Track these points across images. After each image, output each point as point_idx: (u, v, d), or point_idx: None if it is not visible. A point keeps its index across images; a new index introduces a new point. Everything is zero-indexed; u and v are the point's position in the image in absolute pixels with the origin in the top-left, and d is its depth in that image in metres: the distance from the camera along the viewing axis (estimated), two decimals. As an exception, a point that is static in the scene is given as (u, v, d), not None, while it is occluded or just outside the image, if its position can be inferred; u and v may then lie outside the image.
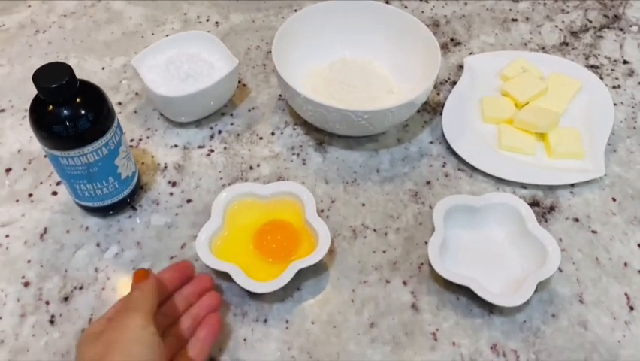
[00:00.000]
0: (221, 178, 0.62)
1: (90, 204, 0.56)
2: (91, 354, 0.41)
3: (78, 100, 0.49)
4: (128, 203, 0.59)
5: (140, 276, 0.46)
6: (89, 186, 0.54)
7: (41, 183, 0.62)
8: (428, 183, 0.62)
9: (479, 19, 0.81)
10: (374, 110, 0.58)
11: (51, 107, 0.48)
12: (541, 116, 0.64)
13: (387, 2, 0.83)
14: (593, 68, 0.75)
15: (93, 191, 0.54)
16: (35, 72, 0.47)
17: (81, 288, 0.54)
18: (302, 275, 0.53)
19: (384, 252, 0.57)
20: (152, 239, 0.58)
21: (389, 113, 0.59)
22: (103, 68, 0.74)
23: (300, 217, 0.56)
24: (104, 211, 0.58)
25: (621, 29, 0.80)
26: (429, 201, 0.61)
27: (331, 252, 0.56)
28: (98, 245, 0.57)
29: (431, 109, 0.70)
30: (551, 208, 0.61)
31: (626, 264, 0.56)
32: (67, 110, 0.48)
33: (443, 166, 0.64)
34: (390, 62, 0.71)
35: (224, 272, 0.52)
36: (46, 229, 0.58)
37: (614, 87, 0.73)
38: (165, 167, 0.63)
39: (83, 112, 0.49)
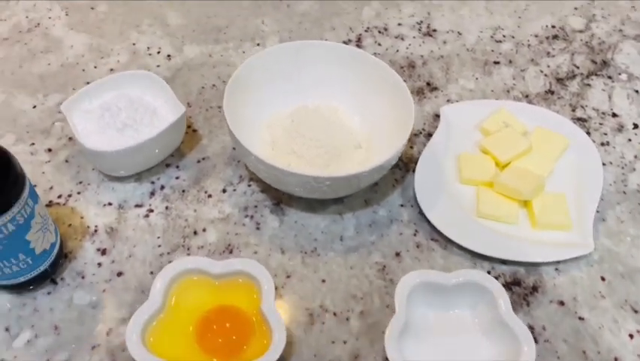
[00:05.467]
0: (159, 246, 0.54)
1: (-2, 282, 0.48)
2: None
3: (-26, 169, 0.40)
4: (47, 277, 0.50)
5: None
6: (-6, 265, 0.45)
7: (-54, 248, 0.53)
8: (397, 255, 0.55)
9: (459, 61, 0.74)
10: (337, 176, 0.51)
11: (-61, 177, 0.40)
12: (524, 181, 0.58)
13: (358, 40, 0.76)
14: (580, 121, 0.69)
15: (0, 270, 0.46)
16: None
17: (-19, 386, 0.45)
18: (247, 373, 0.45)
19: (344, 342, 0.49)
20: (73, 322, 0.49)
21: (354, 179, 0.52)
22: (34, 107, 0.65)
23: (255, 304, 0.48)
24: (17, 288, 0.49)
25: (610, 77, 0.74)
26: (397, 277, 0.53)
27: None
28: (7, 330, 0.48)
29: (403, 165, 0.62)
30: (534, 289, 0.54)
31: (616, 359, 0.50)
32: (-41, 182, 0.40)
33: (415, 235, 0.57)
34: (359, 112, 0.63)
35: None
36: (-55, 308, 0.49)
37: (602, 144, 0.66)
38: (95, 230, 0.55)
39: (-21, 185, 0.40)
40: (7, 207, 0.42)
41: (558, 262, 0.55)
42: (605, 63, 0.76)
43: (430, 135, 0.65)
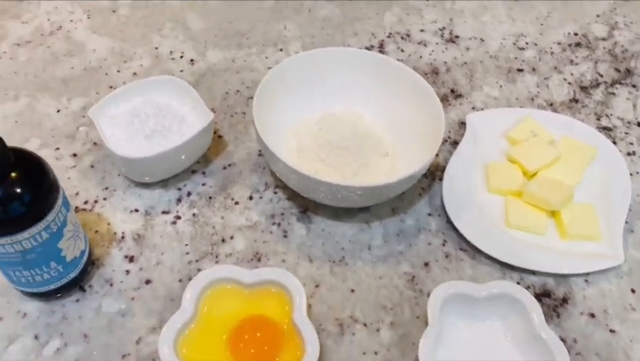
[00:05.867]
0: (187, 253, 0.54)
1: (29, 289, 0.47)
2: None
3: (11, 177, 0.40)
4: (75, 284, 0.50)
5: None
6: (26, 272, 0.45)
7: (-27, 254, 0.52)
8: (426, 264, 0.55)
9: (482, 68, 0.74)
10: (369, 186, 0.50)
11: (-24, 186, 0.39)
12: (553, 191, 0.57)
13: (381, 46, 0.75)
14: (606, 130, 0.68)
15: (31, 277, 0.45)
16: (-44, 145, 0.38)
17: (11, 395, 0.45)
18: (278, 384, 0.45)
19: (375, 353, 0.49)
20: (103, 330, 0.49)
21: (385, 189, 0.51)
22: (58, 111, 0.64)
23: (286, 314, 0.47)
24: (46, 296, 0.49)
25: (634, 86, 0.74)
26: (427, 288, 0.53)
27: (314, 352, 0.48)
28: (36, 337, 0.48)
29: (429, 173, 0.62)
30: (564, 300, 0.53)
31: (649, 373, 0.49)
32: (-3, 191, 0.39)
33: (443, 244, 0.56)
34: (384, 119, 0.63)
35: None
36: (-26, 314, 0.49)
37: (628, 154, 0.66)
38: (122, 237, 0.54)
39: (16, 193, 0.40)
40: (42, 215, 0.41)
41: (587, 274, 0.55)
42: (628, 72, 0.76)
43: (455, 143, 0.65)
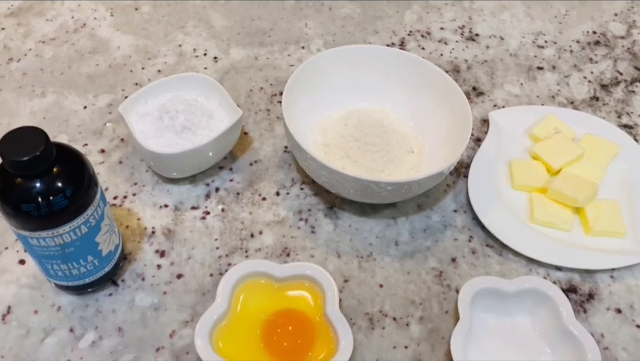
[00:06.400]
0: (217, 248, 0.54)
1: (64, 283, 0.48)
2: None
3: (54, 172, 0.40)
4: (108, 279, 0.50)
5: None
6: (64, 266, 0.45)
7: (7, 248, 0.53)
8: (453, 260, 0.55)
9: (502, 66, 0.74)
10: (399, 181, 0.51)
11: (19, 179, 0.40)
12: (578, 188, 0.58)
13: (402, 44, 0.76)
14: (627, 127, 0.69)
15: (68, 271, 0.46)
16: (1, 140, 0.39)
17: (49, 387, 0.45)
18: (312, 377, 0.46)
19: (406, 347, 0.49)
20: (136, 324, 0.49)
21: (415, 184, 0.52)
22: (85, 107, 0.65)
23: (318, 308, 0.48)
24: (80, 289, 0.49)
25: (654, 84, 0.74)
26: (455, 283, 0.54)
27: (345, 346, 0.49)
28: (71, 330, 0.48)
29: (454, 170, 0.63)
30: (590, 296, 0.54)
31: (676, 368, 0.50)
32: (41, 185, 0.40)
33: (469, 240, 0.57)
34: (410, 116, 0.63)
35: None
36: (9, 307, 0.49)
37: (650, 151, 0.66)
38: (153, 232, 0.55)
39: (59, 187, 0.40)
40: (83, 209, 0.42)
41: (613, 270, 0.56)
42: (648, 70, 0.76)
43: (478, 140, 0.65)
